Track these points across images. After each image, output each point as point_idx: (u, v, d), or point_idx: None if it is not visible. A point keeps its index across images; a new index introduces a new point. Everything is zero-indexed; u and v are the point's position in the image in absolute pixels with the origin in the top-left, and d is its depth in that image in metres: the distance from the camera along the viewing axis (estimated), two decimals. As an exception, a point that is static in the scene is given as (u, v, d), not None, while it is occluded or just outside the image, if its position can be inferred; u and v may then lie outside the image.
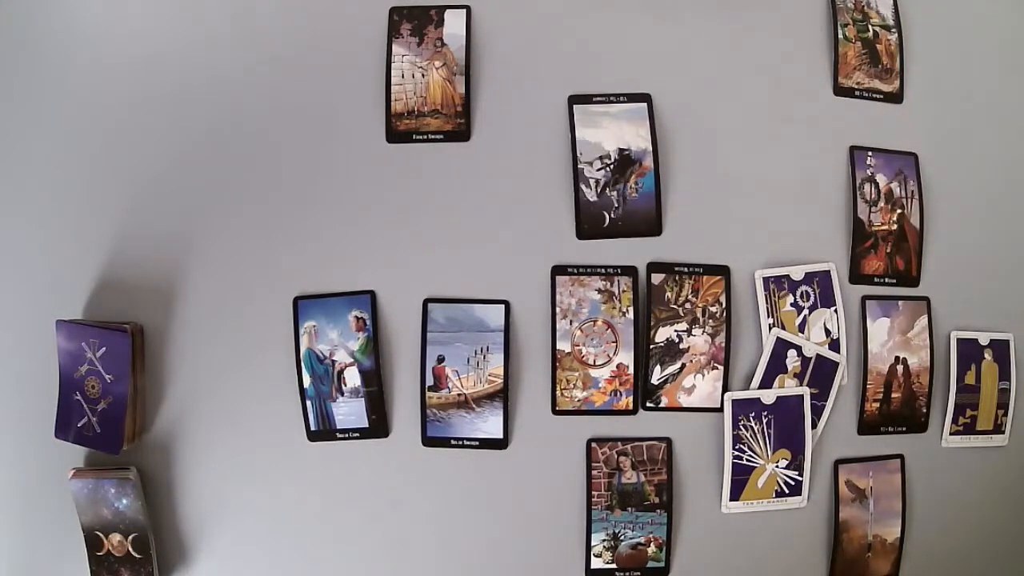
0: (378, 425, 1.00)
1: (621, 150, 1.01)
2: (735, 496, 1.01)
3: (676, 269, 1.01)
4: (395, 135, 1.02)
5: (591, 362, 1.00)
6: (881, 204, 1.05)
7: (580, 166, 1.00)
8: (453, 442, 1.00)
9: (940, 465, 1.07)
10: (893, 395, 1.04)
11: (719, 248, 1.02)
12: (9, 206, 1.03)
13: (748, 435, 1.01)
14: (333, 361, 1.00)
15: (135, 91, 1.03)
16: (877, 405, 1.04)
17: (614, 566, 1.01)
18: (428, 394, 1.00)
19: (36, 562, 1.03)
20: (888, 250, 1.05)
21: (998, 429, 1.08)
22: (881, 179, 1.05)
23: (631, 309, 1.00)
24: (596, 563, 1.01)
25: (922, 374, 1.05)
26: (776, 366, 1.02)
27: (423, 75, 1.02)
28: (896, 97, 1.08)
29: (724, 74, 1.05)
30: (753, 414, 1.01)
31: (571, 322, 1.00)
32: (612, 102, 1.02)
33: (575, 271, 1.00)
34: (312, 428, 1.00)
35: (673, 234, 1.02)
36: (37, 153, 1.03)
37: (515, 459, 1.01)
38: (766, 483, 1.01)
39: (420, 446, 1.00)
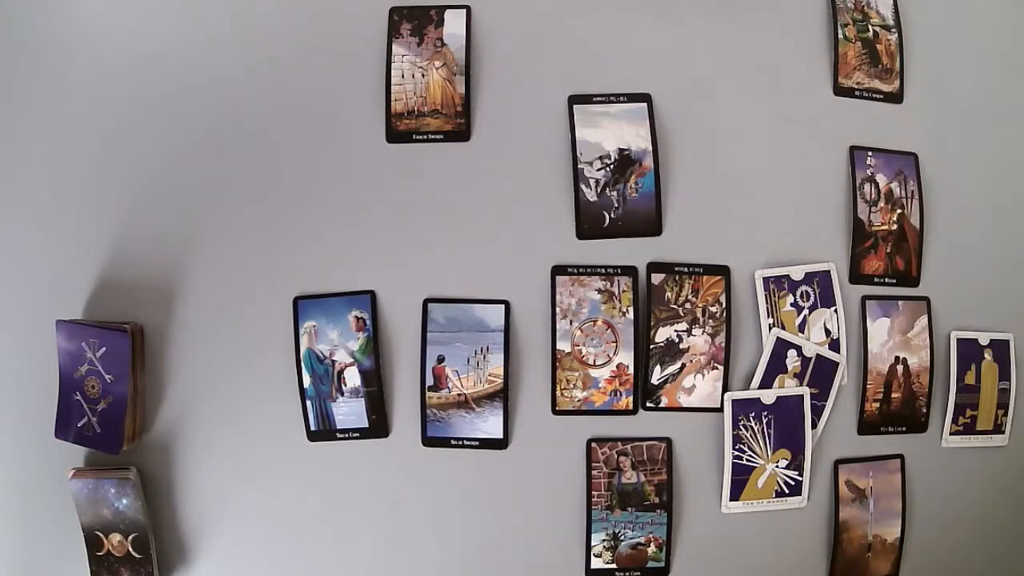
0: (378, 425, 1.00)
1: (621, 150, 1.01)
2: (735, 496, 1.01)
3: (676, 269, 1.01)
4: (395, 135, 1.02)
5: (591, 362, 1.00)
6: (881, 204, 1.05)
7: (580, 166, 1.01)
8: (453, 442, 1.00)
9: (940, 465, 1.07)
10: (893, 395, 1.04)
11: (719, 248, 1.02)
12: (9, 206, 1.03)
13: (748, 435, 1.01)
14: (333, 361, 1.00)
15: (135, 91, 1.03)
16: (877, 405, 1.04)
17: (614, 566, 1.01)
18: (428, 394, 1.00)
19: (36, 562, 1.03)
20: (888, 250, 1.05)
21: (998, 429, 1.08)
22: (881, 179, 1.05)
23: (631, 309, 1.00)
24: (596, 563, 1.01)
25: (922, 374, 1.05)
26: (776, 366, 1.02)
27: (423, 75, 1.02)
28: (896, 97, 1.08)
29: (724, 74, 1.05)
30: (753, 414, 1.01)
31: (571, 322, 1.00)
32: (612, 102, 1.02)
33: (575, 271, 1.00)
34: (312, 428, 1.00)
35: (673, 234, 1.02)
36: (37, 153, 1.03)
37: (515, 459, 1.01)
38: (766, 483, 1.01)
39: (420, 446, 1.00)
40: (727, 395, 1.00)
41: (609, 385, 1.00)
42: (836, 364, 1.03)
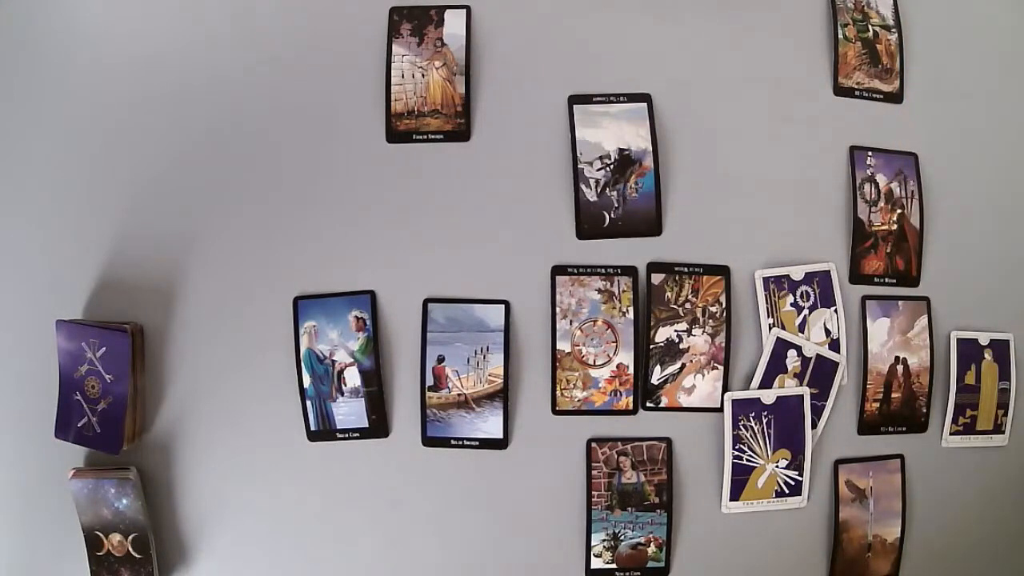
0: (378, 425, 1.00)
1: (621, 150, 1.01)
2: (735, 496, 1.01)
3: (676, 269, 1.01)
4: (395, 135, 1.02)
5: (591, 362, 1.00)
6: (881, 204, 1.05)
7: (580, 166, 1.00)
8: (453, 442, 1.00)
9: (940, 465, 1.07)
10: (893, 395, 1.04)
11: (719, 248, 1.02)
12: (9, 206, 1.03)
13: (748, 435, 1.01)
14: (333, 361, 1.00)
15: (135, 91, 1.03)
16: (877, 405, 1.04)
17: (614, 566, 1.01)
18: (428, 394, 1.00)
19: (36, 562, 1.03)
20: (888, 250, 1.05)
21: (998, 429, 1.08)
22: (881, 179, 1.05)
23: (631, 309, 1.00)
24: (596, 563, 1.01)
25: (922, 374, 1.05)
26: (776, 366, 1.02)
27: (423, 75, 1.02)
28: (896, 97, 1.08)
29: (724, 74, 1.05)
30: (753, 414, 1.01)
31: (571, 322, 1.00)
32: (612, 102, 1.02)
33: (575, 271, 1.00)
34: (312, 428, 1.00)
35: (673, 234, 1.02)
36: (37, 153, 1.03)
37: (515, 459, 1.01)
38: (766, 483, 1.01)
39: (420, 446, 1.00)
40: (727, 395, 1.00)
41: (609, 385, 1.00)
42: (836, 364, 1.03)
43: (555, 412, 1.00)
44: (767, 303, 1.02)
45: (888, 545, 1.05)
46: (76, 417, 0.97)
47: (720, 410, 1.01)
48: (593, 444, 1.00)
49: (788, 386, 1.01)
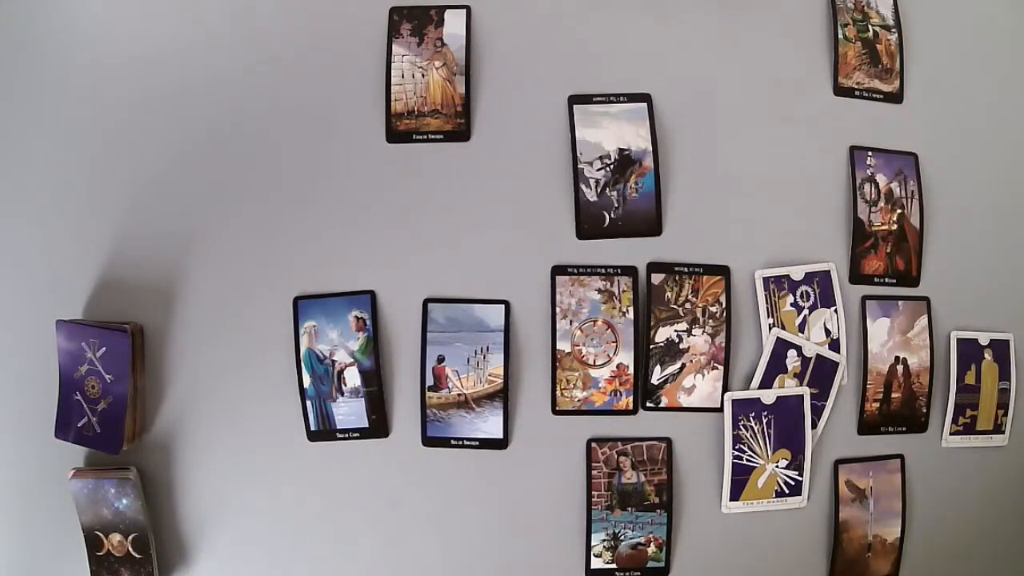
0: (378, 425, 1.00)
1: (621, 150, 1.01)
2: (735, 496, 1.01)
3: (676, 269, 1.01)
4: (395, 135, 1.02)
5: (591, 362, 1.00)
6: (881, 204, 1.05)
7: (580, 166, 1.00)
8: (453, 442, 1.00)
9: (940, 465, 1.07)
10: (893, 395, 1.04)
11: (719, 248, 1.02)
12: (9, 206, 1.03)
13: (748, 435, 1.01)
14: (333, 361, 1.00)
15: (135, 91, 1.03)
16: (877, 405, 1.04)
17: (614, 566, 1.01)
18: (428, 394, 1.00)
19: (36, 562, 1.03)
20: (888, 250, 1.05)
21: (998, 429, 1.08)
22: (881, 179, 1.05)
23: (631, 309, 1.00)
24: (596, 563, 1.01)
25: (922, 374, 1.05)
26: (776, 366, 1.02)
27: (423, 75, 1.02)
28: (896, 97, 1.08)
29: (724, 74, 1.05)
30: (753, 414, 1.01)
31: (571, 322, 1.00)
32: (612, 102, 1.02)
33: (575, 271, 1.00)
34: (312, 428, 1.00)
35: (673, 234, 1.02)
36: (37, 153, 1.03)
37: (515, 459, 1.01)
38: (766, 483, 1.01)
39: (420, 446, 1.00)
40: (727, 395, 1.00)
41: (609, 385, 1.00)
42: (836, 364, 1.03)
43: (555, 412, 1.00)
44: (767, 303, 1.02)
45: (888, 545, 1.05)
46: (76, 417, 0.97)
47: (720, 410, 1.01)
48: (593, 444, 1.00)
49: (788, 386, 1.01)
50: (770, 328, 1.02)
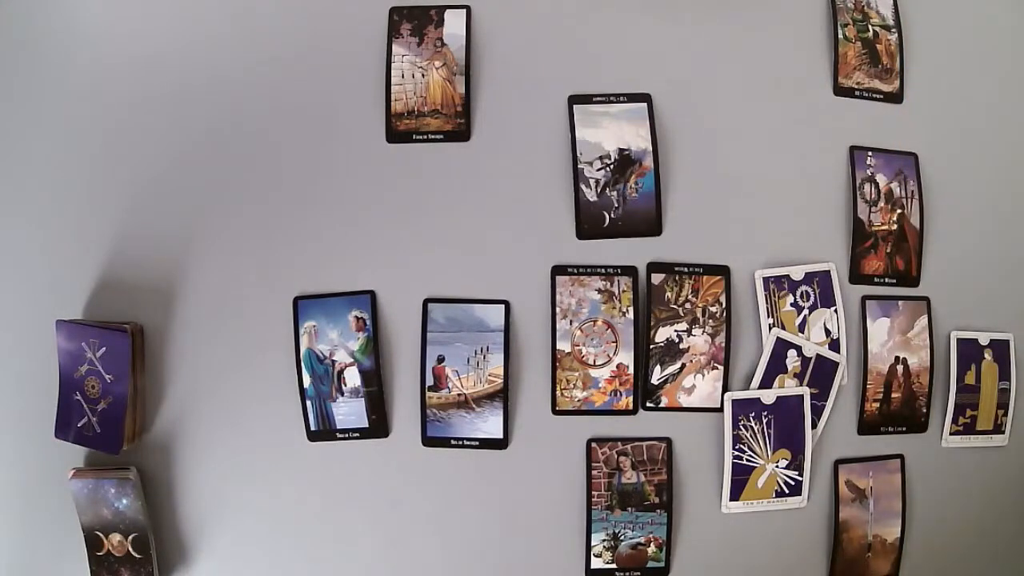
0: (378, 425, 1.00)
1: (621, 150, 1.01)
2: (735, 496, 1.01)
3: (676, 269, 1.01)
4: (395, 135, 1.02)
5: (591, 362, 1.00)
6: (881, 204, 1.05)
7: (580, 166, 1.00)
8: (453, 442, 1.00)
9: (940, 465, 1.07)
10: (893, 395, 1.04)
11: (719, 248, 1.02)
12: (9, 206, 1.03)
13: (748, 435, 1.01)
14: (333, 361, 1.00)
15: (135, 91, 1.03)
16: (877, 405, 1.04)
17: (614, 566, 1.01)
18: (428, 394, 1.00)
19: (36, 562, 1.03)
20: (888, 250, 1.05)
21: (998, 429, 1.08)
22: (881, 179, 1.05)
23: (631, 309, 1.00)
24: (596, 563, 1.01)
25: (922, 374, 1.05)
26: (776, 366, 1.02)
27: (423, 75, 1.02)
28: (896, 97, 1.08)
29: (724, 74, 1.05)
30: (753, 414, 1.01)
31: (571, 322, 1.00)
32: (612, 102, 1.02)
33: (575, 271, 1.00)
34: (312, 428, 1.00)
35: (673, 234, 1.02)
36: (37, 153, 1.03)
37: (515, 459, 1.01)
38: (766, 483, 1.01)
39: (420, 446, 1.00)
40: (727, 395, 1.00)
41: (609, 385, 1.00)
42: (836, 364, 1.03)
43: (555, 412, 1.00)
44: (767, 303, 1.02)
45: (888, 545, 1.05)
46: (76, 417, 0.97)
47: (720, 410, 1.01)
48: (593, 444, 1.00)
49: (788, 386, 1.01)
50: (770, 328, 1.02)
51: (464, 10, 1.03)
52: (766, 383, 1.01)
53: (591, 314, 1.00)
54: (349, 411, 1.00)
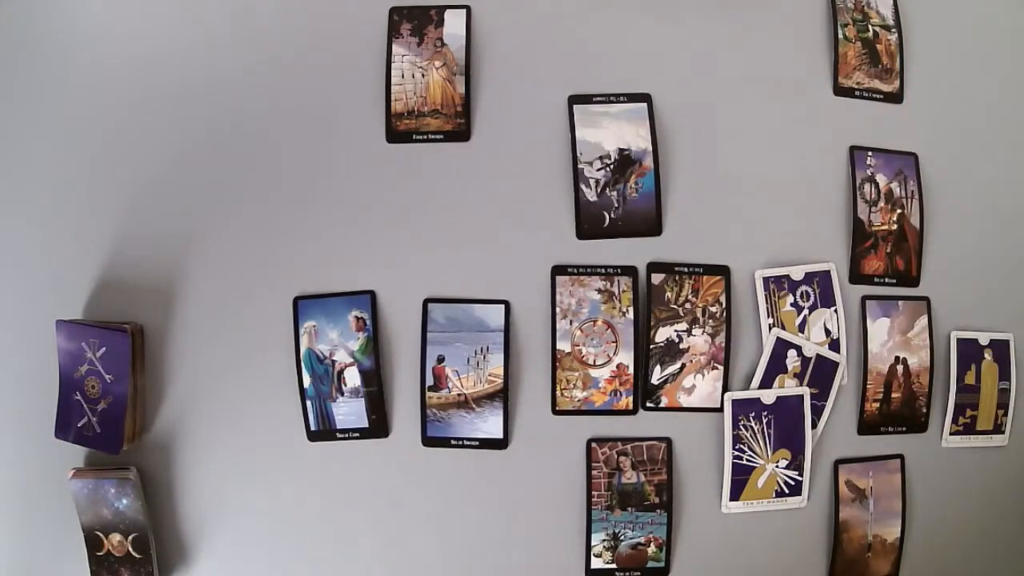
0: (378, 425, 1.00)
1: (621, 150, 1.01)
2: (735, 496, 1.01)
3: (676, 269, 1.01)
4: (395, 135, 1.02)
5: (591, 362, 1.00)
6: (881, 204, 1.05)
7: (580, 166, 1.00)
8: (453, 442, 1.00)
9: (940, 465, 1.07)
10: (893, 395, 1.04)
11: (719, 248, 1.02)
12: (9, 206, 1.03)
13: (748, 435, 1.01)
14: (333, 361, 1.00)
15: (135, 91, 1.03)
16: (877, 405, 1.04)
17: (614, 566, 1.01)
18: (428, 394, 1.00)
19: (36, 562, 1.03)
20: (888, 250, 1.05)
21: (998, 429, 1.08)
22: (881, 179, 1.05)
23: (631, 309, 1.00)
24: (596, 563, 1.01)
25: (922, 374, 1.05)
26: (776, 366, 1.02)
27: (423, 75, 1.02)
28: (896, 97, 1.08)
29: (724, 74, 1.05)
30: (753, 414, 1.01)
31: (571, 322, 1.00)
32: (612, 102, 1.02)
33: (575, 271, 1.00)
34: (312, 428, 1.00)
35: (673, 234, 1.02)
36: (37, 153, 1.03)
37: (515, 459, 1.01)
38: (766, 483, 1.01)
39: (420, 446, 1.00)
40: (727, 395, 1.00)
41: (609, 385, 1.00)
42: (836, 364, 1.03)
43: (555, 412, 1.00)
44: (767, 303, 1.02)
45: (888, 545, 1.05)
46: (76, 417, 0.97)
47: (720, 410, 1.01)
48: (593, 444, 1.00)
49: (788, 386, 1.01)
50: (770, 328, 1.02)
51: (464, 10, 1.03)
52: (766, 383, 1.01)
53: (591, 314, 1.00)
54: (349, 411, 1.00)
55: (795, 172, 1.05)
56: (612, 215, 1.00)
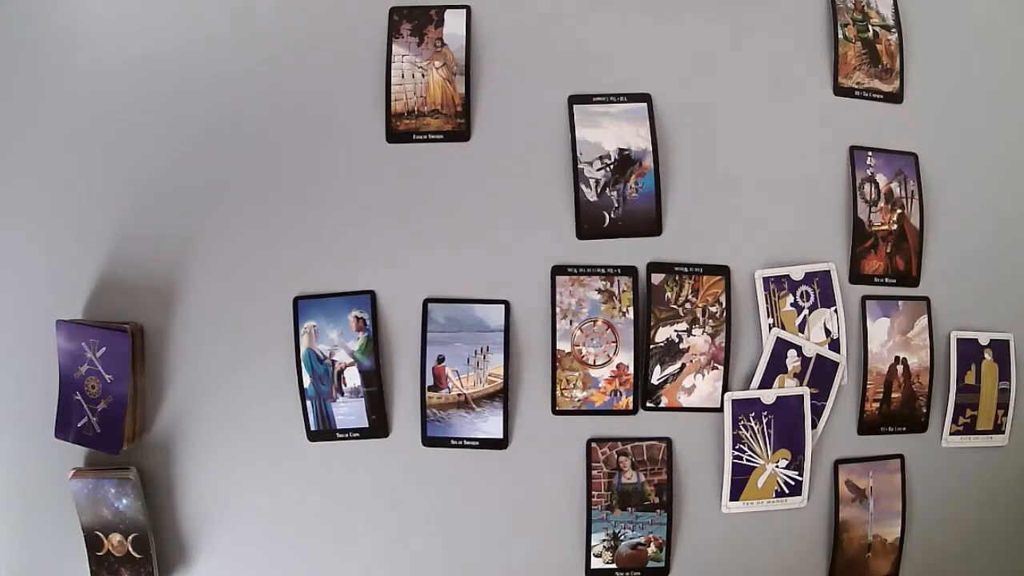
0: (378, 425, 1.00)
1: (621, 150, 1.01)
2: (735, 496, 1.01)
3: (676, 269, 1.01)
4: (395, 135, 1.02)
5: (591, 362, 1.00)
6: (881, 204, 1.05)
7: (580, 166, 1.01)
8: (453, 442, 1.00)
9: (940, 465, 1.07)
10: (893, 395, 1.04)
11: (719, 248, 1.02)
12: (9, 206, 1.03)
13: (748, 435, 1.01)
14: (333, 361, 1.00)
15: (135, 91, 1.03)
16: (877, 405, 1.04)
17: (614, 566, 1.01)
18: (428, 394, 1.00)
19: (36, 562, 1.03)
20: (888, 250, 1.05)
21: (998, 429, 1.08)
22: (881, 179, 1.05)
23: (631, 309, 1.00)
24: (596, 563, 1.01)
25: (922, 374, 1.05)
26: (776, 366, 1.02)
27: (423, 75, 1.02)
28: (896, 97, 1.08)
29: (724, 74, 1.05)
30: (753, 414, 1.01)
31: (571, 322, 1.00)
32: (612, 102, 1.02)
33: (575, 271, 1.00)
34: (312, 428, 1.00)
35: (673, 234, 1.02)
36: (37, 153, 1.03)
37: (515, 459, 1.01)
38: (766, 483, 1.01)
39: (420, 446, 1.00)
40: (727, 395, 1.00)
41: (609, 385, 1.00)
42: (836, 364, 1.03)
43: (555, 412, 1.00)
44: (767, 303, 1.02)
45: (888, 545, 1.05)
46: (76, 417, 0.97)
47: (720, 410, 1.01)
48: (593, 444, 1.00)
49: (788, 386, 1.01)
50: (770, 328, 1.02)
51: (464, 10, 1.03)
52: (766, 383, 1.01)
53: (591, 314, 1.00)
54: (349, 411, 1.00)
55: (795, 172, 1.05)
56: (612, 215, 1.00)
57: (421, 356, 1.00)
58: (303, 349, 1.00)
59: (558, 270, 1.00)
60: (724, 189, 1.03)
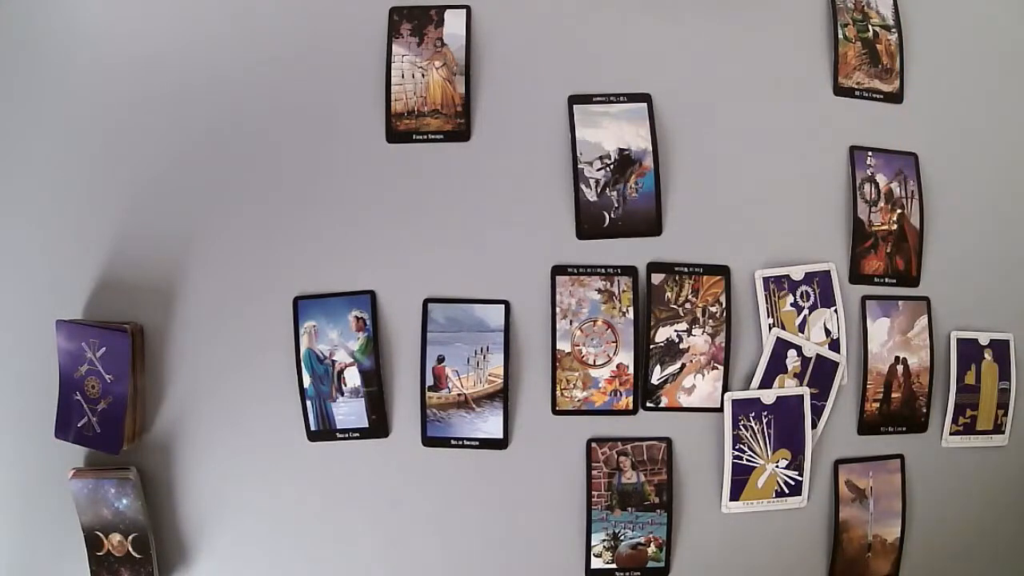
0: (378, 425, 1.00)
1: (621, 150, 1.01)
2: (735, 496, 1.01)
3: (676, 269, 1.01)
4: (395, 135, 1.02)
5: (591, 362, 1.00)
6: (881, 204, 1.05)
7: (580, 166, 1.01)
8: (453, 442, 1.00)
9: (940, 465, 1.07)
10: (893, 395, 1.04)
11: (719, 248, 1.02)
12: (9, 206, 1.03)
13: (748, 435, 1.01)
14: (333, 361, 1.00)
15: (135, 91, 1.03)
16: (877, 405, 1.04)
17: (614, 566, 1.01)
18: (428, 394, 1.00)
19: (36, 562, 1.03)
20: (888, 250, 1.05)
21: (998, 429, 1.08)
22: (881, 179, 1.05)
23: (631, 309, 1.00)
24: (596, 563, 1.01)
25: (922, 374, 1.05)
26: (776, 366, 1.02)
27: (423, 75, 1.02)
28: (896, 97, 1.08)
29: (724, 74, 1.05)
30: (753, 414, 1.01)
31: (571, 322, 1.00)
32: (612, 102, 1.02)
33: (575, 271, 1.00)
34: (312, 428, 1.00)
35: (673, 234, 1.02)
36: (37, 153, 1.03)
37: (515, 459, 1.01)
38: (766, 483, 1.01)
39: (420, 446, 1.00)
40: (727, 395, 1.00)
41: (609, 385, 1.00)
42: (836, 364, 1.03)
43: (555, 412, 1.00)
44: (767, 303, 1.02)
45: (888, 545, 1.05)
46: (76, 417, 0.97)
47: (720, 410, 1.01)
48: (593, 444, 1.00)
49: (788, 386, 1.01)
50: (770, 328, 1.02)
51: (464, 10, 1.03)
52: (766, 383, 1.01)
53: (591, 314, 1.00)
54: (349, 411, 1.00)
55: (795, 172, 1.05)
56: (612, 215, 1.01)
57: (421, 356, 1.00)
58: (303, 349, 1.00)
59: (558, 270, 1.00)
60: (724, 189, 1.03)
